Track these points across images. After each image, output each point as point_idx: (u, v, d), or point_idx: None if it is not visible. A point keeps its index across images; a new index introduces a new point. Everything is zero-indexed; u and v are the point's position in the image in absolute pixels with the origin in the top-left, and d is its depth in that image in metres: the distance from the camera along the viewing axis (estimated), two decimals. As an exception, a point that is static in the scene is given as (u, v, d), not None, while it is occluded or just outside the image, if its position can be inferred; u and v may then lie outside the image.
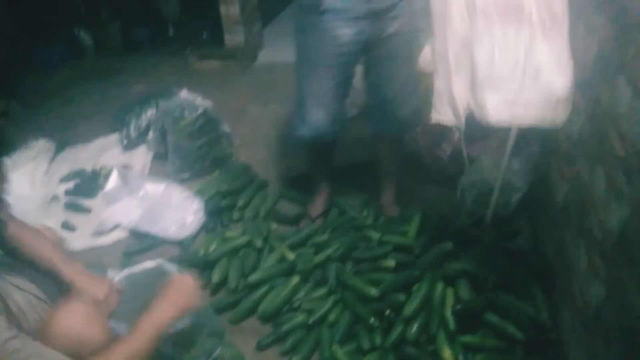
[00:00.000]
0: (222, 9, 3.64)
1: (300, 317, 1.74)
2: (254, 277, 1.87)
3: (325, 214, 2.20)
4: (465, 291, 1.67)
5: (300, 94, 1.88)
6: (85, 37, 4.10)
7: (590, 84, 1.47)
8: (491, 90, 1.31)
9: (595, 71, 1.45)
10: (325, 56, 1.75)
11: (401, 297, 1.69)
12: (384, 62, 1.80)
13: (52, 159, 2.76)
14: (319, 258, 1.90)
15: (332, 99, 1.84)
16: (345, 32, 1.69)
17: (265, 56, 3.89)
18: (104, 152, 2.80)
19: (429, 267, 1.79)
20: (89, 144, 2.88)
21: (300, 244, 2.02)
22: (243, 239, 2.04)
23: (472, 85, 1.35)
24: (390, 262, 1.82)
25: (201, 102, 2.65)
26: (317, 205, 2.21)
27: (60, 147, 2.85)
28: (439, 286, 1.69)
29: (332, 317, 1.73)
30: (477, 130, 2.13)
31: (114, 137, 2.89)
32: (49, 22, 3.87)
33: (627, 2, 1.22)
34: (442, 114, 1.45)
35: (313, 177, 2.21)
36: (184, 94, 2.72)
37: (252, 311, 1.81)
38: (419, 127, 2.36)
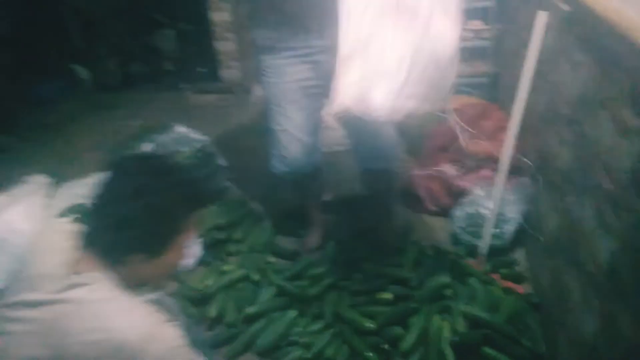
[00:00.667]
0: (219, 45, 3.73)
1: (298, 352, 1.73)
2: (251, 311, 1.87)
3: (321, 246, 2.21)
4: (461, 324, 1.68)
5: (273, 131, 1.90)
6: (83, 72, 4.16)
7: (576, 118, 1.52)
8: (378, 85, 1.37)
9: (580, 106, 1.49)
10: (289, 92, 1.79)
11: (398, 330, 1.70)
12: None
13: (50, 195, 2.77)
14: (315, 290, 1.91)
15: (304, 132, 1.86)
16: (302, 68, 1.74)
17: (260, 90, 3.94)
18: (101, 186, 2.81)
19: (425, 300, 1.80)
20: (87, 179, 2.89)
21: (297, 276, 2.02)
22: (240, 273, 2.05)
23: (359, 79, 1.39)
24: (387, 295, 1.82)
25: (197, 137, 2.68)
26: (313, 238, 2.23)
27: (58, 183, 2.86)
28: (436, 319, 1.69)
29: (329, 352, 1.72)
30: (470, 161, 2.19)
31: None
32: (47, 58, 3.94)
33: (607, 42, 1.27)
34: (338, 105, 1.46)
35: (308, 210, 2.23)
36: (180, 128, 2.76)
37: (249, 346, 1.80)
38: (413, 159, 2.40)
